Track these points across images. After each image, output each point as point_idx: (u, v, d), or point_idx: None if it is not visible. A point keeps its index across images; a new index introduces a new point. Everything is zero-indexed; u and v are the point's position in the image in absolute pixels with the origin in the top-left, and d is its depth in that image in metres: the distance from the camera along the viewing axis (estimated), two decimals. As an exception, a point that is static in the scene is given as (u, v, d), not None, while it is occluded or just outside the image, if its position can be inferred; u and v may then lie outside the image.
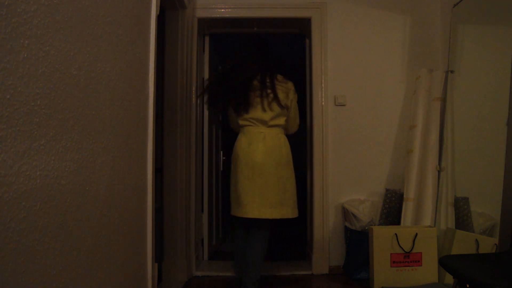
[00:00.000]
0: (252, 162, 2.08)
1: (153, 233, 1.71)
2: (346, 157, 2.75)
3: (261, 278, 2.15)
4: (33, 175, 0.86)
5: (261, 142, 2.11)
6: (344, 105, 2.75)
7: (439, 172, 2.43)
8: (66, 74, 1.00)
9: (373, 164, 2.75)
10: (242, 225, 2.29)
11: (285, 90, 2.19)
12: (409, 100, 2.74)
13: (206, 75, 3.07)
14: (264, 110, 2.13)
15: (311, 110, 2.82)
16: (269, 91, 2.14)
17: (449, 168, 2.43)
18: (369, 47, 2.79)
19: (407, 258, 2.26)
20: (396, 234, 2.26)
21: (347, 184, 2.74)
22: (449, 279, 2.20)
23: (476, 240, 2.10)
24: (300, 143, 3.11)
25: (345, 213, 2.66)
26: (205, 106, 2.92)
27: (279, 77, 2.21)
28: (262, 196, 2.06)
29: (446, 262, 1.41)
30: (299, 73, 3.19)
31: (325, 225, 2.70)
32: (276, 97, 2.13)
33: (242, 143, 2.16)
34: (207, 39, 3.11)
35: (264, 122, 2.15)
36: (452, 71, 2.53)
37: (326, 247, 2.70)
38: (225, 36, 3.35)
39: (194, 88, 2.73)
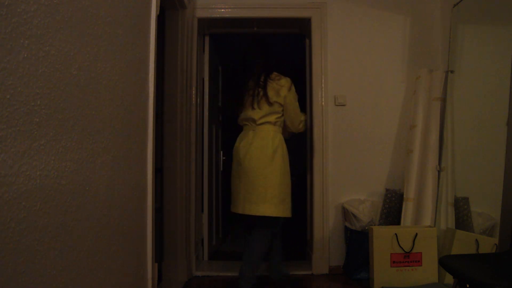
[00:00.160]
0: (239, 160, 2.19)
1: (153, 233, 1.71)
2: (346, 157, 2.75)
3: (258, 277, 2.15)
4: (33, 175, 0.86)
5: (249, 141, 2.18)
6: (344, 105, 2.75)
7: (439, 172, 2.43)
8: (66, 74, 1.00)
9: (373, 164, 2.75)
10: (244, 224, 2.31)
11: (276, 87, 2.18)
12: (409, 100, 2.74)
13: (206, 75, 3.08)
14: (253, 109, 2.19)
15: (311, 110, 2.82)
16: (260, 89, 2.18)
17: (449, 168, 2.43)
18: (369, 47, 2.79)
19: (407, 258, 2.26)
20: (396, 234, 2.26)
21: (347, 184, 2.73)
22: (449, 279, 2.20)
23: (476, 240, 2.10)
24: (300, 143, 3.11)
25: (345, 213, 2.66)
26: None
27: (273, 74, 2.22)
28: (246, 192, 2.14)
29: (446, 262, 1.41)
30: (299, 73, 3.19)
31: (325, 225, 2.70)
32: (265, 95, 2.16)
33: (236, 142, 2.28)
34: (207, 39, 3.11)
35: (254, 121, 2.20)
36: (452, 71, 2.53)
37: (326, 247, 2.70)
38: (225, 36, 3.35)
39: (194, 88, 2.73)
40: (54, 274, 0.95)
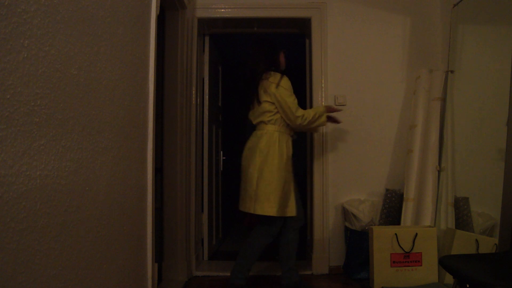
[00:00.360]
0: (241, 159, 2.29)
1: (153, 233, 1.71)
2: (346, 157, 2.75)
3: (251, 278, 2.17)
4: (33, 175, 0.86)
5: (248, 140, 2.27)
6: (344, 105, 2.75)
7: (439, 172, 2.43)
8: (66, 74, 1.00)
9: (373, 164, 2.75)
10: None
11: (265, 84, 2.16)
12: (409, 100, 2.74)
13: (206, 75, 3.08)
14: (251, 109, 2.28)
15: (311, 110, 2.82)
16: (254, 90, 2.22)
17: (449, 168, 2.43)
18: (369, 47, 2.79)
19: (407, 258, 2.26)
20: (396, 234, 2.26)
21: (347, 184, 2.74)
22: (449, 279, 2.20)
23: (476, 240, 2.10)
24: (300, 143, 3.10)
25: (345, 213, 2.66)
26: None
27: (267, 73, 2.20)
28: (242, 190, 2.24)
29: (446, 262, 1.41)
30: (299, 73, 3.19)
31: (325, 225, 2.70)
32: (255, 95, 2.20)
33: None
34: (207, 39, 3.11)
35: (252, 121, 2.29)
36: (452, 71, 2.53)
37: (326, 247, 2.70)
38: (225, 36, 3.34)
39: (194, 88, 2.73)
40: (54, 274, 0.95)
